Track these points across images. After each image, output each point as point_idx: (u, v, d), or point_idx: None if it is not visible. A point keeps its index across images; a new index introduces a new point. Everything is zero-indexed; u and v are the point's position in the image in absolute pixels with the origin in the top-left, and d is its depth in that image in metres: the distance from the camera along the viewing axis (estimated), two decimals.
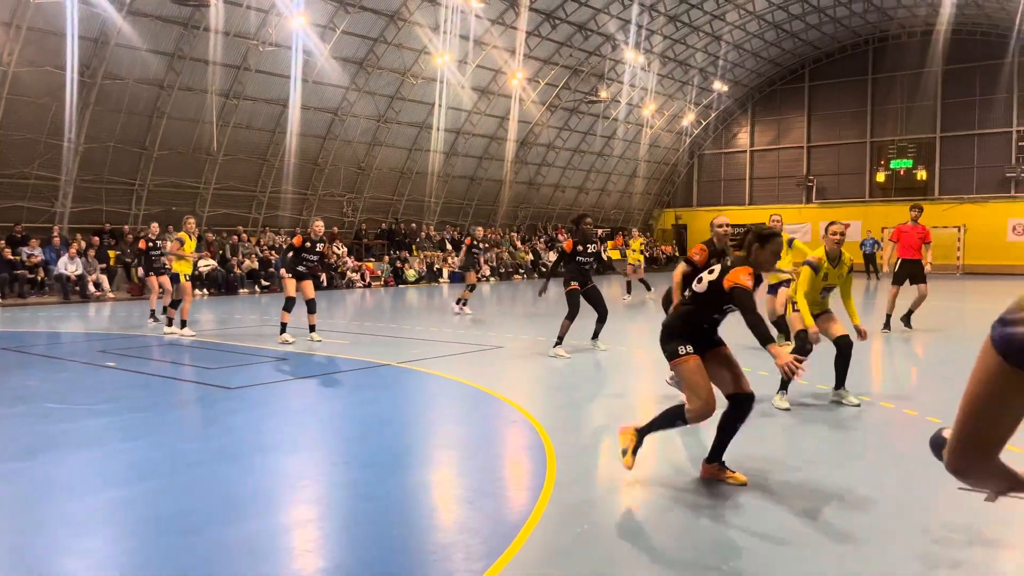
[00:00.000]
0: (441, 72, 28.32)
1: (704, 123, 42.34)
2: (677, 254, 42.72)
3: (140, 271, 17.65)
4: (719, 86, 38.86)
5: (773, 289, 10.84)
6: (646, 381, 9.33)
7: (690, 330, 5.02)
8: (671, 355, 5.00)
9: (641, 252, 22.23)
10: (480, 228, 19.96)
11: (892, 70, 37.64)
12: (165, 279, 14.13)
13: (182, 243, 13.11)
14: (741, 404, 4.96)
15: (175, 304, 13.46)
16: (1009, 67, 34.28)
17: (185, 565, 3.82)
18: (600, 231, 40.83)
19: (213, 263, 22.32)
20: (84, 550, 4.04)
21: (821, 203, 39.82)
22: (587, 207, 40.76)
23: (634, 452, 4.95)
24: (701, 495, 4.90)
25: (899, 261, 13.34)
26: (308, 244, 11.88)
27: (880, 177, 37.89)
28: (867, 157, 38.75)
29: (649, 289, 21.06)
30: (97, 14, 20.38)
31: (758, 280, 4.99)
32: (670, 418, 4.99)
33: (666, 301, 6.92)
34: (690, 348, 4.92)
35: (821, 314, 7.52)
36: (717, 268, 4.97)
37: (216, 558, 3.92)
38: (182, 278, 13.11)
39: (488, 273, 31.18)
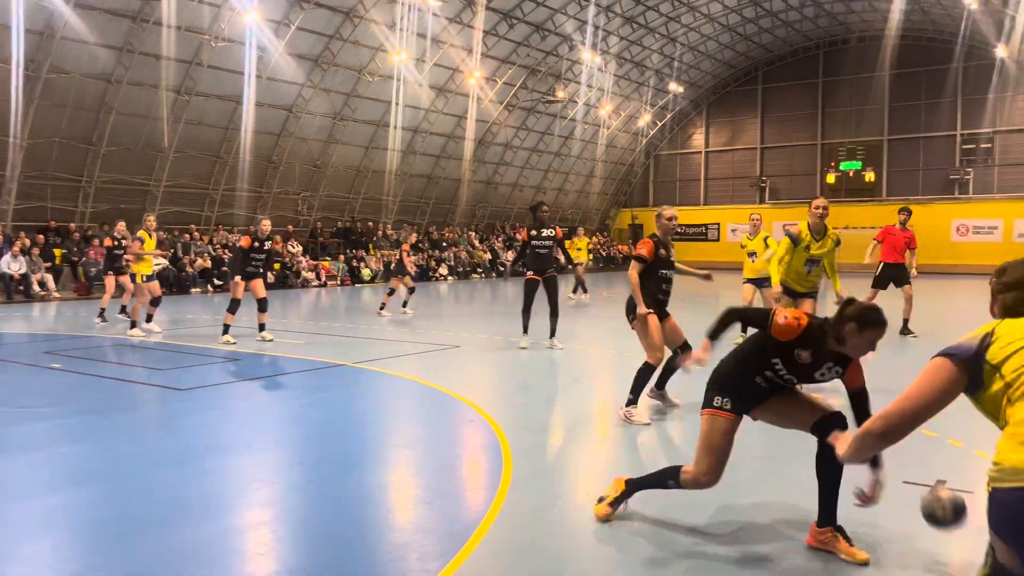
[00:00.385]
0: (398, 70, 28.14)
1: (660, 124, 42.77)
2: (633, 253, 43.06)
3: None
4: (674, 87, 39.29)
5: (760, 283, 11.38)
6: (602, 380, 9.38)
7: (742, 383, 4.09)
8: (706, 403, 4.15)
9: (588, 251, 22.16)
10: (414, 234, 19.83)
11: (842, 74, 38.44)
12: (126, 279, 13.78)
13: (142, 242, 12.80)
14: (828, 429, 3.94)
15: (155, 302, 13.20)
16: (954, 72, 35.26)
17: (129, 571, 3.72)
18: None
19: (164, 262, 21.88)
20: (23, 557, 3.91)
21: (774, 203, 40.49)
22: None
23: (615, 504, 4.38)
24: (655, 496, 4.94)
25: (881, 264, 12.85)
26: (256, 244, 11.72)
27: (830, 178, 38.68)
28: (818, 159, 39.53)
29: (585, 292, 20.48)
30: (43, 6, 19.79)
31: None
32: (662, 478, 4.32)
33: (629, 307, 6.96)
34: (729, 404, 4.07)
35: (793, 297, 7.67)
36: (827, 367, 3.86)
37: (162, 563, 3.83)
38: (139, 279, 12.78)
39: (446, 272, 31.09)
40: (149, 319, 13.18)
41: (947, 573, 3.78)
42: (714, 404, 4.07)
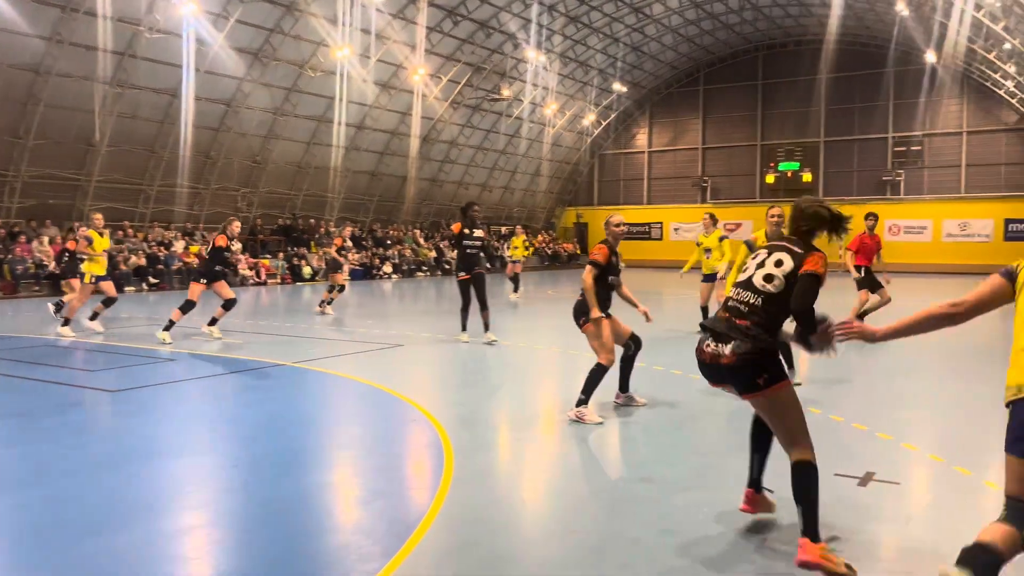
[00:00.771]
0: (341, 65, 27.79)
1: (604, 123, 43.14)
2: (579, 252, 43.42)
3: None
4: (618, 87, 39.68)
5: (710, 278, 11.67)
6: (545, 378, 9.43)
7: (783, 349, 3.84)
8: (775, 379, 3.82)
9: (526, 248, 22.20)
10: (349, 227, 19.71)
11: (781, 76, 39.34)
12: (76, 280, 13.16)
13: (90, 241, 12.27)
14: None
15: (108, 302, 12.71)
16: (886, 77, 36.38)
17: None
18: (504, 228, 41.13)
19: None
20: None
21: (715, 203, 41.18)
22: (491, 204, 40.91)
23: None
24: (595, 493, 4.98)
25: (864, 269, 13.45)
26: (229, 243, 11.59)
27: (769, 178, 39.56)
28: (757, 159, 40.38)
29: (516, 290, 20.31)
30: None
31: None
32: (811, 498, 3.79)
33: (579, 310, 6.98)
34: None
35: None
36: (785, 257, 3.88)
37: (93, 570, 3.71)
38: (87, 278, 12.28)
39: (391, 271, 30.85)
40: (94, 317, 12.71)
41: (877, 561, 3.88)
42: (784, 377, 3.84)
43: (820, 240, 4.03)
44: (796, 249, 3.89)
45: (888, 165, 37.14)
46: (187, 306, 11.37)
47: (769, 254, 3.95)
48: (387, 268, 30.95)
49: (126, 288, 22.38)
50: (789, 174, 39.03)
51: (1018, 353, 3.16)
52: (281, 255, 27.86)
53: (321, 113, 29.54)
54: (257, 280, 25.75)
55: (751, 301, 3.87)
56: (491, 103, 35.61)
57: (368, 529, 4.29)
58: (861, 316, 13.34)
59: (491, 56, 33.33)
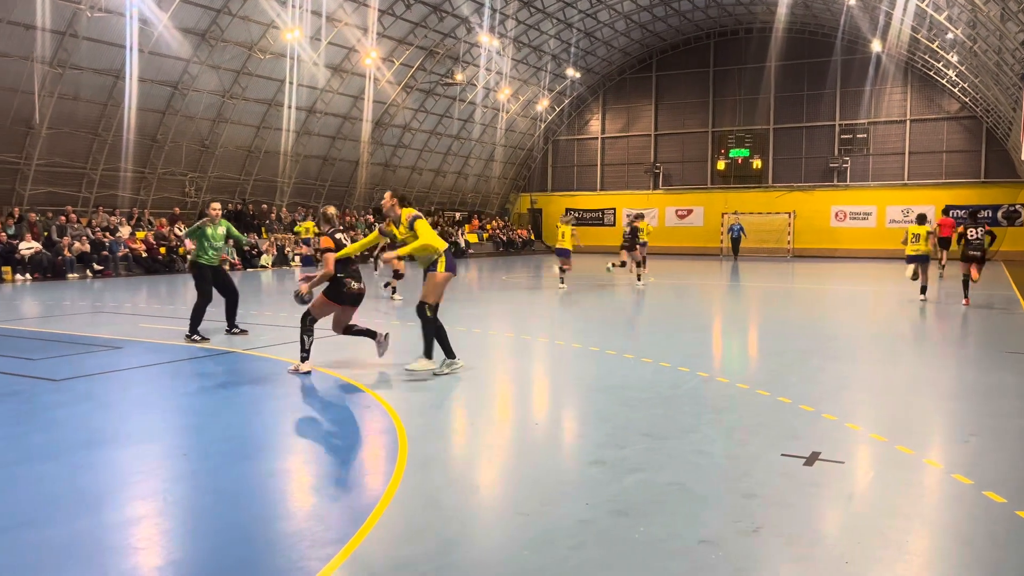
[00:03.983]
0: (291, 48, 27.29)
1: (558, 109, 43.18)
2: (532, 238, 43.51)
3: None
4: (571, 73, 39.72)
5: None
6: (499, 363, 9.45)
7: None
8: None
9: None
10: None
11: (731, 63, 39.83)
12: None
13: None
14: None
15: None
16: (833, 65, 37.10)
17: None
18: (457, 215, 40.99)
19: (36, 245, 20.58)
20: None
21: (667, 189, 41.65)
22: (445, 190, 40.72)
23: None
24: (543, 479, 5.02)
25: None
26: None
27: (720, 165, 40.09)
28: (709, 146, 40.86)
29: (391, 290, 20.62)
30: None
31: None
32: None
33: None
34: None
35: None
36: None
37: (33, 562, 3.62)
38: None
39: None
40: None
41: (820, 538, 3.99)
42: None
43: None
44: None
45: (835, 152, 37.93)
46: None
47: None
48: None
49: (69, 275, 21.77)
50: (740, 160, 39.61)
51: None
52: (231, 241, 27.30)
53: (271, 96, 29.01)
54: None
55: None
56: (444, 88, 35.36)
57: (321, 515, 4.26)
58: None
59: (444, 40, 33.07)
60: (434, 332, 7.96)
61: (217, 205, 11.02)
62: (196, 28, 25.01)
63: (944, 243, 24.97)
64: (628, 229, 19.66)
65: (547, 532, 4.00)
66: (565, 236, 18.91)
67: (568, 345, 9.92)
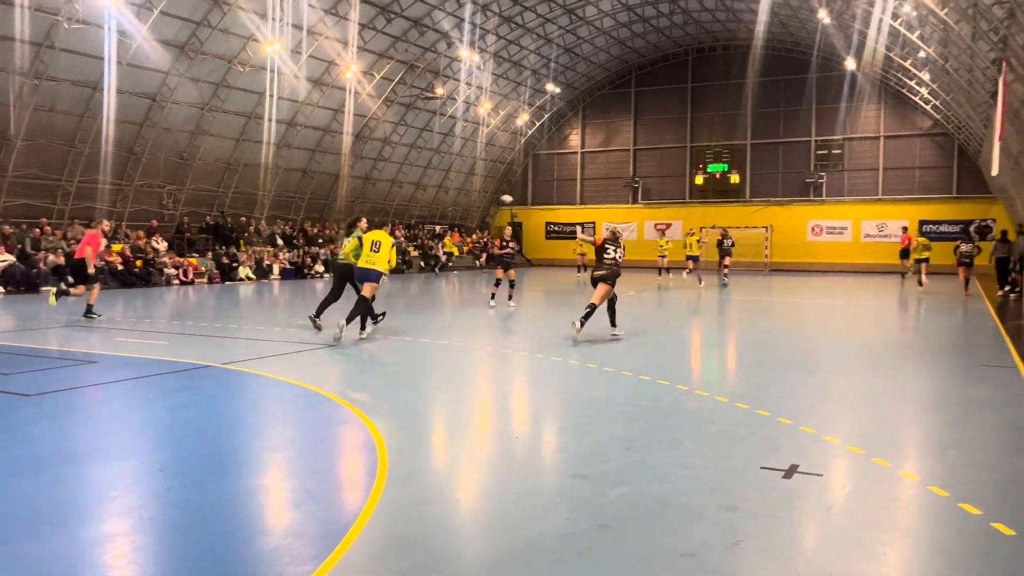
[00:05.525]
0: (271, 61, 27.23)
1: (538, 124, 43.38)
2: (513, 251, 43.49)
3: None
4: (552, 88, 39.95)
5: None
6: (477, 375, 9.43)
7: None
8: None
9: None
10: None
11: (709, 79, 40.25)
12: None
13: None
14: None
15: None
16: (809, 82, 37.62)
17: None
18: (438, 227, 41.00)
19: (10, 258, 20.28)
20: None
21: (646, 203, 41.93)
22: (425, 203, 40.69)
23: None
24: (528, 486, 5.01)
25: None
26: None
27: (699, 180, 40.42)
28: (687, 160, 41.22)
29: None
30: None
31: None
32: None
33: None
34: None
35: None
36: None
37: None
38: None
39: (323, 269, 30.40)
40: None
41: (801, 550, 4.01)
42: None
43: None
44: None
45: (811, 167, 38.39)
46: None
47: None
48: (319, 267, 30.50)
49: (43, 288, 21.47)
50: (718, 175, 39.96)
51: None
52: (209, 254, 27.14)
53: (251, 109, 28.90)
54: (184, 279, 25.03)
55: None
56: (425, 101, 35.42)
57: (300, 531, 4.22)
58: None
59: (424, 54, 33.15)
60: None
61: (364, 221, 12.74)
62: (175, 40, 24.89)
63: (904, 253, 29.49)
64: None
65: (529, 546, 3.98)
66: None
67: (548, 359, 9.93)
